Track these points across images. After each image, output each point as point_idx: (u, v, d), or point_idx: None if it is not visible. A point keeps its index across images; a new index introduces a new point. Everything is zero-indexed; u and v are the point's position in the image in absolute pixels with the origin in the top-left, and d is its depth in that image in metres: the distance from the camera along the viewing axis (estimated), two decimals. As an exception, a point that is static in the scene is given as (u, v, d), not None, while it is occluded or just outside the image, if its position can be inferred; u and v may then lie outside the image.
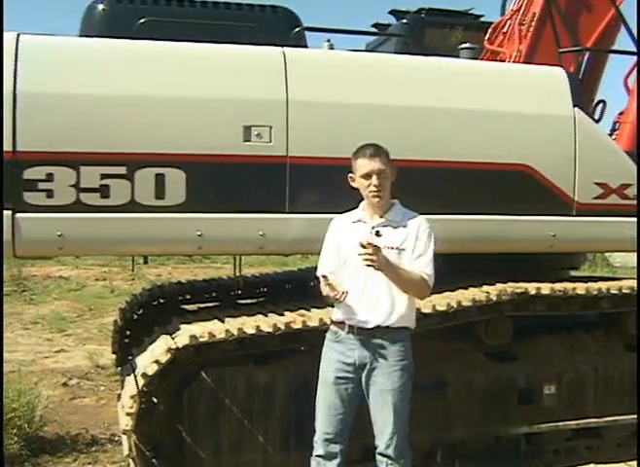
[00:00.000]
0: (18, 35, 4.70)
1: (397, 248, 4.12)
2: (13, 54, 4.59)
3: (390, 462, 4.13)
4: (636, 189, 5.57)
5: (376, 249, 3.89)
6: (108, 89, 4.75)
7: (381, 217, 4.20)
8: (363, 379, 4.18)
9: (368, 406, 4.21)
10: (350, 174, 4.27)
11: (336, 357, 4.20)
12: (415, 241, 4.15)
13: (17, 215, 4.54)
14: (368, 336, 4.12)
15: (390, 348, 4.13)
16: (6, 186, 4.52)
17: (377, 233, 4.13)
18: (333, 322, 4.30)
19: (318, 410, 4.26)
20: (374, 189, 4.11)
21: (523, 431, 5.56)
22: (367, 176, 4.13)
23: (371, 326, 4.11)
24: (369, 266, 3.91)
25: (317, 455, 4.25)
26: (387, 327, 4.11)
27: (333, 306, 4.33)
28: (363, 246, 3.87)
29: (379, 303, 4.11)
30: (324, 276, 4.05)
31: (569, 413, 5.68)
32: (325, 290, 4.04)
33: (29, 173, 4.56)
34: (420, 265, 4.13)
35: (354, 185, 4.25)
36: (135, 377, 4.69)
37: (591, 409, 5.74)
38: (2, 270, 5.04)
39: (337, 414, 4.20)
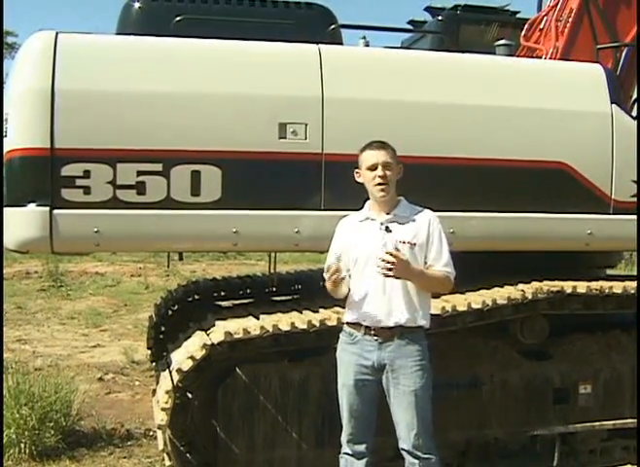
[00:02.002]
0: (57, 34, 4.75)
1: (409, 243, 4.12)
2: (51, 53, 4.64)
3: (421, 461, 4.13)
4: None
5: (401, 260, 3.93)
6: (144, 86, 4.79)
7: (389, 213, 4.20)
8: (383, 381, 4.17)
9: (389, 405, 4.21)
10: (356, 169, 4.28)
11: (354, 360, 4.18)
12: (428, 240, 4.16)
13: (55, 211, 4.59)
14: (386, 336, 4.10)
15: (408, 348, 4.12)
16: (44, 182, 4.58)
17: (387, 229, 4.14)
18: (346, 323, 4.28)
19: (342, 412, 4.28)
20: (379, 180, 4.11)
21: (559, 431, 5.51)
22: (372, 168, 4.14)
23: (388, 326, 4.09)
24: (387, 275, 3.95)
25: (345, 453, 4.31)
26: (405, 326, 4.10)
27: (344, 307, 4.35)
28: (390, 254, 3.90)
29: (396, 301, 4.09)
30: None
31: (605, 412, 5.63)
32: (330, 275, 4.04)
33: (67, 170, 4.60)
34: (440, 264, 4.15)
35: (359, 180, 4.27)
36: (170, 372, 4.72)
37: (628, 409, 5.67)
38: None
39: (360, 416, 4.22)
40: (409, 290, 4.11)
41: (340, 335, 4.32)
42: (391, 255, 3.90)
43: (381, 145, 4.19)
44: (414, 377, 4.11)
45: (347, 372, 4.21)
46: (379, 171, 4.11)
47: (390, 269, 3.91)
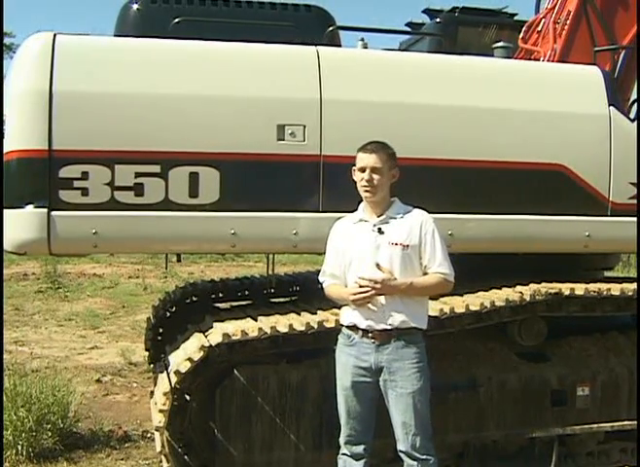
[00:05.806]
0: (55, 35, 4.75)
1: (401, 244, 4.12)
2: (49, 54, 4.64)
3: (419, 463, 4.14)
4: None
5: (380, 281, 4.00)
6: (143, 88, 4.78)
7: (381, 214, 4.21)
8: (381, 383, 4.18)
9: (387, 407, 4.22)
10: (353, 167, 4.30)
11: (351, 362, 4.19)
12: (421, 241, 4.15)
13: (53, 213, 4.59)
14: (383, 338, 4.11)
15: (405, 350, 4.12)
16: (41, 184, 4.57)
17: (380, 231, 4.15)
18: (344, 326, 4.29)
19: (340, 414, 4.30)
20: (365, 183, 4.15)
21: (556, 433, 5.50)
22: (361, 170, 4.18)
23: (385, 328, 4.09)
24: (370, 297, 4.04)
25: (343, 454, 4.33)
26: (401, 328, 4.10)
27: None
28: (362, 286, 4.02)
29: (392, 304, 4.09)
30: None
31: (603, 415, 5.62)
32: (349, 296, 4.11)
33: (65, 171, 4.60)
34: (434, 265, 4.15)
35: (354, 178, 4.30)
36: (168, 374, 4.72)
37: (625, 411, 5.66)
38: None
39: (358, 417, 4.23)
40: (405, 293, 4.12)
41: (339, 336, 4.33)
42: (365, 278, 4.01)
43: (375, 149, 4.19)
44: (412, 379, 4.10)
45: (345, 373, 4.22)
46: (366, 175, 4.14)
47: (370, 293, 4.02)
